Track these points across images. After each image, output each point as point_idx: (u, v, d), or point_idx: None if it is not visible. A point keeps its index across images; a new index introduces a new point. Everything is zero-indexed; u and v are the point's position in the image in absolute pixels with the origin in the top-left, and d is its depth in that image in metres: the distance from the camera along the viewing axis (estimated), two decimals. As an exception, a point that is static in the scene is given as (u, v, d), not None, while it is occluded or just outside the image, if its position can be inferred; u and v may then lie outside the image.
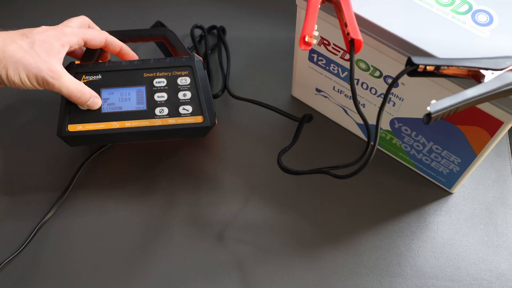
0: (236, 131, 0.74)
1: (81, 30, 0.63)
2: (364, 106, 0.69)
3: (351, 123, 0.74)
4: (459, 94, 0.47)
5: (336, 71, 0.67)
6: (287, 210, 0.69)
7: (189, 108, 0.65)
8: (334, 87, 0.70)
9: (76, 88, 0.61)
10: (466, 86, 0.53)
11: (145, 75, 0.66)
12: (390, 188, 0.71)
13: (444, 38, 0.54)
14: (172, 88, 0.66)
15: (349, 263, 0.65)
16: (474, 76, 0.50)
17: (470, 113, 0.57)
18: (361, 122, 0.72)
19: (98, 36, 0.64)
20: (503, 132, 0.57)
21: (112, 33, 0.68)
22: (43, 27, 0.61)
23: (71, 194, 0.69)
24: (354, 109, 0.71)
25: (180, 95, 0.66)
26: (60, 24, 0.64)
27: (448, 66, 0.50)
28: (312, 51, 0.67)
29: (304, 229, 0.67)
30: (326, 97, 0.73)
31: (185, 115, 0.65)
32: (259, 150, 0.73)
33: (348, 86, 0.68)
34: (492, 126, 0.57)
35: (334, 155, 0.73)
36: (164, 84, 0.66)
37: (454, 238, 0.67)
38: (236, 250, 0.66)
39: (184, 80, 0.66)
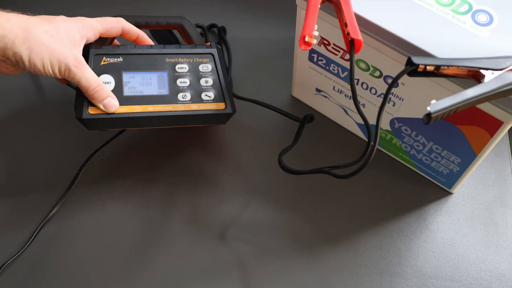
0: (236, 131, 0.74)
1: (98, 23, 0.62)
2: (364, 106, 0.69)
3: (351, 123, 0.74)
4: (459, 94, 0.47)
5: (336, 71, 0.67)
6: (287, 210, 0.69)
7: (211, 95, 0.65)
8: (334, 87, 0.70)
9: (95, 82, 0.60)
10: (466, 86, 0.53)
11: (167, 60, 0.65)
12: (390, 188, 0.71)
13: (444, 38, 0.54)
14: (194, 74, 0.66)
15: (349, 263, 0.65)
16: (474, 76, 0.50)
17: (470, 113, 0.57)
18: (361, 122, 0.72)
19: (114, 26, 0.63)
20: (503, 132, 0.57)
21: (128, 17, 0.67)
22: (63, 16, 0.60)
23: (72, 194, 0.69)
24: (354, 109, 0.71)
25: (202, 81, 0.66)
26: (79, 17, 0.63)
27: (448, 66, 0.50)
28: (312, 51, 0.67)
29: (304, 229, 0.67)
30: (326, 97, 0.73)
31: (207, 101, 0.65)
32: (259, 150, 0.73)
33: (348, 86, 0.68)
34: (492, 126, 0.57)
35: (334, 155, 0.73)
36: (186, 70, 0.66)
37: (454, 238, 0.67)
38: (236, 250, 0.66)
39: (205, 67, 0.66)
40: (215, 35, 0.85)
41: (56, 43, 0.56)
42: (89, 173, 0.70)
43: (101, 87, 0.60)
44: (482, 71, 0.49)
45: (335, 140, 0.74)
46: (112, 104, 0.61)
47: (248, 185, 0.70)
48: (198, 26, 0.84)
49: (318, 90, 0.73)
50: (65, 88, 0.76)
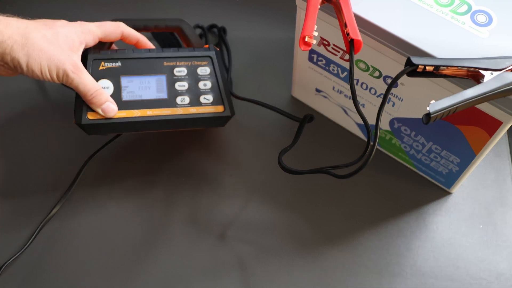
0: (236, 131, 0.74)
1: (97, 28, 0.62)
2: (363, 106, 0.69)
3: (351, 123, 0.74)
4: (459, 94, 0.47)
5: (335, 72, 0.67)
6: (287, 210, 0.69)
7: (210, 98, 0.65)
8: (334, 87, 0.70)
9: (93, 87, 0.60)
10: (465, 86, 0.53)
11: (165, 63, 0.65)
12: (390, 188, 0.71)
13: (443, 38, 0.54)
14: (193, 78, 0.66)
15: (349, 263, 0.65)
16: (473, 76, 0.50)
17: (469, 113, 0.57)
18: (361, 122, 0.72)
19: (114, 31, 0.63)
20: (502, 132, 0.57)
21: (127, 21, 0.67)
22: (63, 21, 0.60)
23: (73, 195, 0.69)
24: (354, 109, 0.71)
25: (201, 84, 0.66)
26: (79, 22, 0.63)
27: (447, 66, 0.50)
28: (312, 52, 0.67)
29: (304, 229, 0.67)
30: (326, 97, 0.73)
31: (206, 104, 0.65)
32: (259, 150, 0.73)
33: (348, 86, 0.68)
34: (491, 126, 0.57)
35: (334, 155, 0.73)
36: (184, 74, 0.66)
37: (454, 237, 0.67)
38: (236, 250, 0.66)
39: (204, 70, 0.66)
40: (215, 36, 0.85)
41: (54, 48, 0.57)
42: (90, 174, 0.70)
43: (99, 92, 0.60)
44: (481, 71, 0.49)
45: (335, 140, 0.75)
46: (110, 109, 0.61)
47: (248, 185, 0.71)
48: (198, 26, 0.84)
49: (318, 90, 0.74)
50: (64, 88, 0.77)
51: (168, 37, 0.78)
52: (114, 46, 0.70)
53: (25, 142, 0.74)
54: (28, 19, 0.59)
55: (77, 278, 0.63)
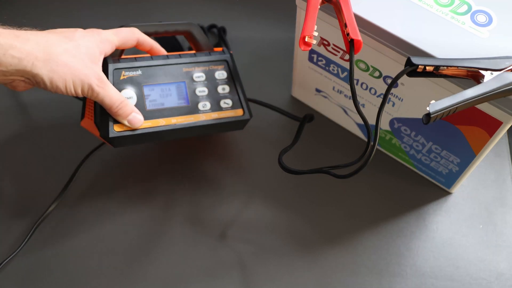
0: (236, 131, 0.74)
1: (115, 36, 0.61)
2: (364, 106, 0.69)
3: (351, 123, 0.74)
4: (459, 94, 0.48)
5: (335, 72, 0.67)
6: (287, 210, 0.69)
7: (229, 102, 0.65)
8: (334, 87, 0.70)
9: (118, 99, 0.58)
10: (465, 87, 0.53)
11: (184, 69, 0.65)
12: (390, 188, 0.71)
13: (443, 38, 0.54)
14: (211, 82, 0.65)
15: (349, 263, 0.65)
16: (473, 76, 0.51)
17: (469, 113, 0.57)
18: (361, 122, 0.72)
19: (130, 38, 0.62)
20: (502, 132, 0.57)
21: (138, 27, 0.65)
22: (80, 30, 0.58)
23: (72, 194, 0.69)
24: (354, 109, 0.71)
25: (219, 89, 0.65)
26: (96, 31, 0.61)
27: (447, 66, 0.50)
28: (312, 52, 0.67)
29: (304, 229, 0.67)
30: (326, 97, 0.73)
31: (226, 108, 0.65)
32: (259, 150, 0.73)
33: (348, 86, 0.68)
34: (491, 126, 0.57)
35: (334, 155, 0.73)
36: (203, 79, 0.65)
37: (454, 237, 0.67)
38: (236, 250, 0.66)
39: (221, 74, 0.66)
40: (215, 36, 0.85)
41: (77, 62, 0.55)
42: (90, 173, 0.70)
43: (124, 103, 0.59)
44: (481, 71, 0.50)
45: (335, 140, 0.75)
46: (137, 120, 0.60)
47: (248, 185, 0.71)
48: (198, 26, 0.84)
49: (318, 90, 0.74)
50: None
51: (170, 40, 0.78)
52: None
53: (22, 139, 0.74)
54: (43, 29, 0.57)
55: (74, 278, 0.63)
